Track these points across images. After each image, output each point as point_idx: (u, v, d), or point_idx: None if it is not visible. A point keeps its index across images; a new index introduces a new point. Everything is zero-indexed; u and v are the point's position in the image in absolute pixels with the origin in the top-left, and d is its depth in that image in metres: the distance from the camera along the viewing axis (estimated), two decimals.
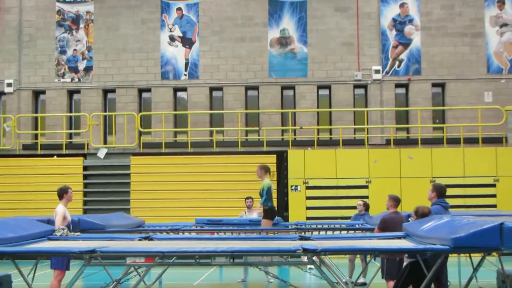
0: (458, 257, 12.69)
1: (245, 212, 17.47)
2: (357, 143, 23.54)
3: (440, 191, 10.65)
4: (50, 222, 11.53)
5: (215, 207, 20.46)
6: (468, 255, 9.50)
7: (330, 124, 24.49)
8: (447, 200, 10.65)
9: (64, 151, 23.61)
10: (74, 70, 25.23)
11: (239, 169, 21.63)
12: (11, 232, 9.15)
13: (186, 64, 24.95)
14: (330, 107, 24.72)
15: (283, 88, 25.01)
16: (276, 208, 15.74)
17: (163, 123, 23.95)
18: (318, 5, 24.89)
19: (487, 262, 9.01)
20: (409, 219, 11.20)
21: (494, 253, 8.11)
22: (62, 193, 11.56)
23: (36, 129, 24.96)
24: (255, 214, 17.09)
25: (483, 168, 21.17)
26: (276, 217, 15.09)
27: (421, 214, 9.87)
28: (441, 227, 8.38)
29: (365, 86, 24.76)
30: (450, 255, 8.49)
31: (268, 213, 14.35)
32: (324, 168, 21.50)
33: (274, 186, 21.56)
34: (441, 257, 8.17)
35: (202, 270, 17.00)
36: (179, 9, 25.12)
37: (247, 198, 17.52)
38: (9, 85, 25.09)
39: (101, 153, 23.17)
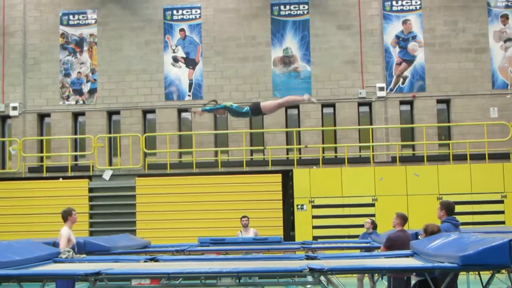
0: (467, 275, 12.60)
1: (241, 231, 17.42)
2: (363, 161, 23.47)
3: (448, 208, 10.57)
4: (56, 244, 11.49)
5: (221, 227, 20.37)
6: (477, 272, 9.40)
7: (335, 142, 24.42)
8: (455, 217, 10.58)
9: (69, 173, 23.63)
10: (79, 92, 25.27)
11: (245, 188, 21.61)
12: (17, 255, 9.12)
13: (190, 84, 24.97)
14: (334, 125, 24.67)
15: (287, 107, 24.96)
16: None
17: (167, 144, 23.93)
18: (321, 24, 24.92)
19: (496, 280, 8.92)
20: (419, 237, 11.12)
21: (503, 271, 8.00)
22: (66, 215, 11.55)
23: (42, 151, 24.95)
24: (251, 233, 17.04)
25: (491, 185, 21.08)
26: (276, 236, 15.02)
27: (431, 232, 9.78)
28: (449, 245, 8.30)
29: (369, 104, 24.72)
30: (459, 273, 8.40)
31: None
32: (330, 187, 21.46)
33: (279, 206, 21.65)
34: (449, 275, 8.09)
35: None
36: (182, 30, 25.19)
37: (243, 217, 17.48)
38: (14, 108, 25.13)
39: (107, 175, 23.18)
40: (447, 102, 24.63)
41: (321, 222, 21.24)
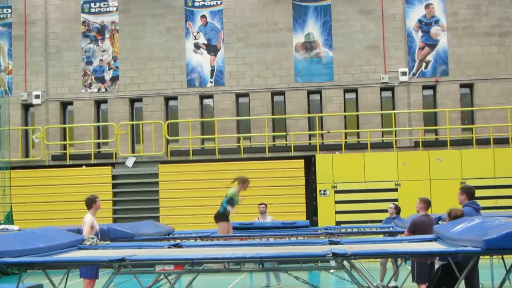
0: (491, 259, 12.53)
1: (258, 218, 17.45)
2: (385, 146, 23.40)
3: (469, 193, 10.52)
4: (80, 231, 11.57)
5: (245, 213, 20.35)
6: (500, 256, 9.36)
7: (358, 128, 24.35)
8: (478, 201, 10.52)
9: (92, 161, 23.77)
10: (101, 80, 25.36)
11: (267, 174, 21.62)
12: (41, 242, 9.19)
13: (212, 71, 24.98)
14: (357, 110, 24.59)
15: (309, 92, 24.92)
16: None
17: (190, 131, 23.98)
18: (342, 9, 24.78)
19: None
20: (439, 222, 11.07)
21: None
22: (91, 202, 11.59)
23: (65, 139, 25.10)
24: (268, 220, 17.07)
25: None
26: (304, 221, 15.22)
27: (454, 216, 9.73)
28: (472, 229, 8.26)
29: (392, 89, 24.59)
30: (482, 257, 8.37)
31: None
32: (352, 172, 21.43)
33: (301, 191, 21.67)
34: (472, 259, 8.05)
35: (232, 276, 16.99)
36: (203, 16, 25.17)
37: (261, 204, 17.50)
38: (37, 96, 25.27)
39: (129, 162, 23.30)
40: (470, 86, 24.44)
41: (344, 207, 21.23)
